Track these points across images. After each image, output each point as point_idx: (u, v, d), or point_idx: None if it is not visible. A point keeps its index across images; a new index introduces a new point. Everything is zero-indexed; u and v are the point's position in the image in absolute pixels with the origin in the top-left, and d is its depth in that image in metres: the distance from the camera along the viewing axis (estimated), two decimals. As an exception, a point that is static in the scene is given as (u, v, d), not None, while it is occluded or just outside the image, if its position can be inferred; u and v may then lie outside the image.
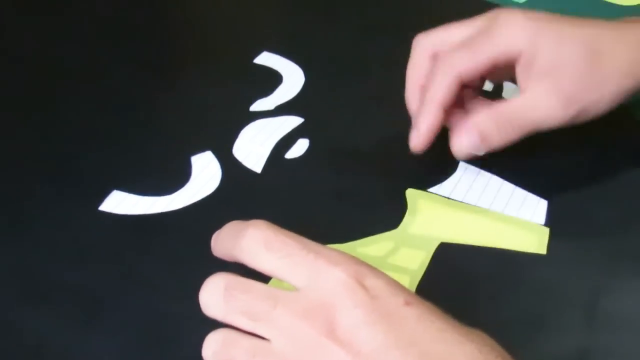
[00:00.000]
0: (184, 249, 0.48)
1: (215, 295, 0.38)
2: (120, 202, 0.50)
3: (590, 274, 0.47)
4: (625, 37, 0.50)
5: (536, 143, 0.52)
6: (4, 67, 0.63)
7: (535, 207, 0.51)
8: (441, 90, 0.50)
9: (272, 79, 0.62)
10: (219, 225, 0.49)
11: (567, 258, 0.48)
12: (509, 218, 0.50)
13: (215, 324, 0.43)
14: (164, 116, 0.58)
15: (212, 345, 0.37)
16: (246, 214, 0.50)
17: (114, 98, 0.59)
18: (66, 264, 0.47)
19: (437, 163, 0.54)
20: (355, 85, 0.61)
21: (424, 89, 0.52)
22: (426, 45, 0.52)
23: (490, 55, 0.50)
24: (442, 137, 0.52)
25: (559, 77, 0.49)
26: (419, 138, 0.51)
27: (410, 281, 0.46)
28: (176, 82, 0.61)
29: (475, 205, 0.51)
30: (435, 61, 0.51)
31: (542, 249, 0.48)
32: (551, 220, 0.50)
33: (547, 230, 0.49)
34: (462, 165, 0.54)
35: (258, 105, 0.59)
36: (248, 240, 0.38)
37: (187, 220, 0.50)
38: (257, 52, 0.65)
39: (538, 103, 0.49)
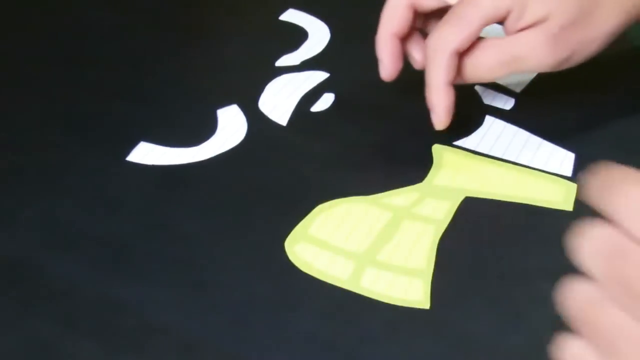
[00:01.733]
0: (212, 199, 0.48)
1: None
2: (147, 153, 0.51)
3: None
4: None
5: (564, 95, 0.51)
6: (31, 26, 0.63)
7: (562, 161, 0.51)
8: (443, 71, 0.49)
9: (298, 36, 0.62)
10: (243, 175, 0.50)
11: (594, 211, 0.47)
12: (536, 172, 0.50)
13: (244, 269, 0.43)
14: (191, 71, 0.58)
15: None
16: (272, 165, 0.50)
17: (140, 55, 0.60)
18: (95, 211, 0.47)
19: (464, 117, 0.54)
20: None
21: (395, 38, 0.51)
22: None
23: (480, 22, 0.48)
24: (468, 92, 0.52)
25: (549, 23, 0.48)
26: (440, 119, 0.50)
27: (435, 230, 0.46)
28: (202, 39, 0.61)
29: (501, 159, 0.51)
30: (427, 40, 0.50)
31: (569, 205, 0.48)
32: (578, 173, 0.50)
33: (574, 185, 0.49)
34: (488, 119, 0.54)
35: (284, 61, 0.59)
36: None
37: (213, 171, 0.50)
38: (283, 9, 0.64)
39: (525, 45, 0.48)
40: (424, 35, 0.52)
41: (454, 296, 0.43)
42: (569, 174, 0.50)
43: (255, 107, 0.55)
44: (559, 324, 0.40)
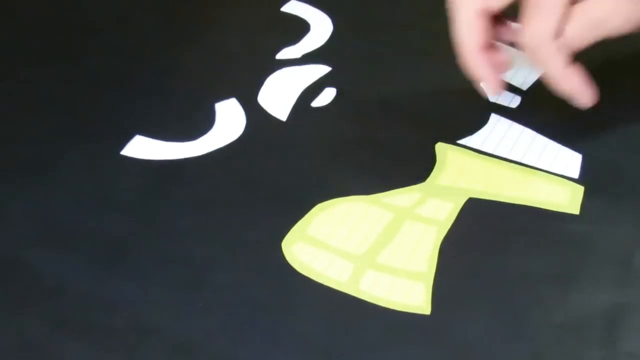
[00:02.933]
0: (208, 195, 0.47)
1: None
2: (142, 147, 0.49)
3: (625, 230, 0.45)
4: None
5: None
6: (25, 14, 0.62)
7: (568, 162, 0.49)
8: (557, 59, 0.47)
9: (300, 28, 0.60)
10: (241, 172, 0.48)
11: (601, 215, 0.46)
12: (541, 173, 0.49)
13: (240, 269, 0.42)
14: (189, 63, 0.57)
15: None
16: (270, 161, 0.49)
17: (139, 46, 0.58)
18: (87, 208, 0.46)
19: (468, 115, 0.52)
20: (385, 34, 0.60)
21: (482, 51, 0.49)
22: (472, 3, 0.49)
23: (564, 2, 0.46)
24: (473, 90, 0.51)
25: None
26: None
27: (437, 232, 0.45)
28: (202, 31, 0.60)
29: (506, 159, 0.50)
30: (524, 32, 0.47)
31: (575, 209, 0.47)
32: (585, 175, 0.48)
33: (581, 188, 0.48)
34: (493, 117, 0.52)
35: (285, 54, 0.58)
36: None
37: (210, 166, 0.49)
38: (285, 0, 0.63)
39: (608, 6, 0.47)
40: None
41: (455, 302, 0.41)
42: (575, 175, 0.48)
43: (254, 102, 0.53)
44: (561, 332, 0.39)
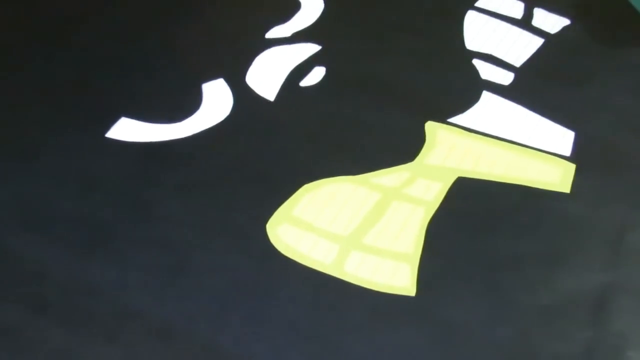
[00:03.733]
0: (193, 177, 0.46)
1: None
2: (128, 129, 0.49)
3: (616, 209, 0.44)
4: None
5: (566, 69, 0.49)
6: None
7: (561, 139, 0.48)
8: None
9: (290, 6, 0.59)
10: (227, 153, 0.48)
11: (592, 194, 0.45)
12: (533, 151, 0.48)
13: (223, 252, 0.42)
14: (176, 43, 0.56)
15: None
16: (257, 142, 0.48)
17: (124, 26, 0.57)
18: (71, 191, 0.45)
19: (460, 93, 0.51)
20: (376, 13, 0.58)
21: None
22: None
23: None
24: (465, 66, 0.50)
25: None
26: None
27: (425, 212, 0.44)
28: (190, 9, 0.59)
29: (497, 137, 0.49)
30: None
31: (566, 187, 0.46)
32: (577, 153, 0.48)
33: (572, 166, 0.47)
34: (485, 95, 0.51)
35: (274, 33, 0.57)
36: None
37: (196, 148, 0.48)
38: (276, -22, 0.62)
39: None
40: None
41: (440, 283, 0.41)
42: (567, 153, 0.48)
43: (242, 82, 0.52)
44: (549, 313, 0.39)
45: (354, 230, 0.43)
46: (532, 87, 0.52)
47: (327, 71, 0.53)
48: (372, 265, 0.41)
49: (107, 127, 0.49)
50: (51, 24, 0.57)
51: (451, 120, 0.50)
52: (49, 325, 0.39)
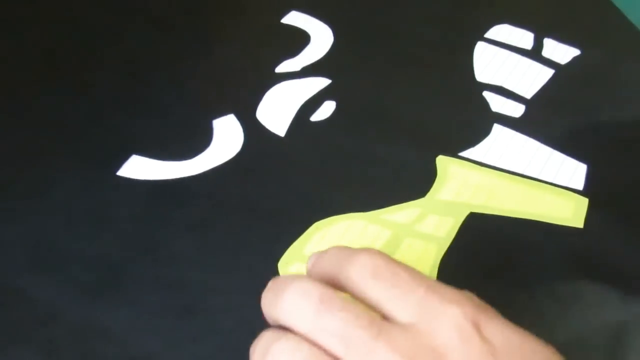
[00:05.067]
0: (204, 216, 0.46)
1: (306, 304, 0.32)
2: (139, 167, 0.49)
3: (630, 245, 0.44)
4: None
5: (578, 101, 0.49)
6: (21, 25, 0.61)
7: (573, 172, 0.48)
8: None
9: (300, 39, 0.59)
10: (237, 191, 0.47)
11: (605, 228, 0.45)
12: (545, 185, 0.48)
13: (235, 292, 0.41)
14: (186, 78, 0.56)
15: (279, 355, 0.31)
16: (268, 179, 0.48)
17: (134, 61, 0.57)
18: (82, 230, 0.45)
19: (470, 126, 0.51)
20: (386, 47, 0.59)
21: None
22: None
23: None
24: (476, 99, 0.50)
25: None
26: None
27: (437, 249, 0.44)
28: (200, 43, 0.59)
29: (508, 171, 0.49)
30: None
31: (579, 222, 0.45)
32: (590, 186, 0.47)
33: (585, 200, 0.46)
34: (496, 128, 0.51)
35: (284, 67, 0.57)
36: (356, 266, 0.33)
37: (208, 185, 0.48)
38: (285, 12, 0.62)
39: None
40: None
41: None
42: (580, 187, 0.47)
43: (252, 117, 0.52)
44: (564, 350, 0.38)
45: (366, 268, 0.43)
46: (543, 119, 0.52)
47: (337, 105, 0.53)
48: (384, 304, 0.41)
49: (119, 165, 0.49)
50: (61, 61, 0.57)
51: (462, 154, 0.50)
52: (60, 369, 0.39)
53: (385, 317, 0.32)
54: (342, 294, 0.33)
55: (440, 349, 0.31)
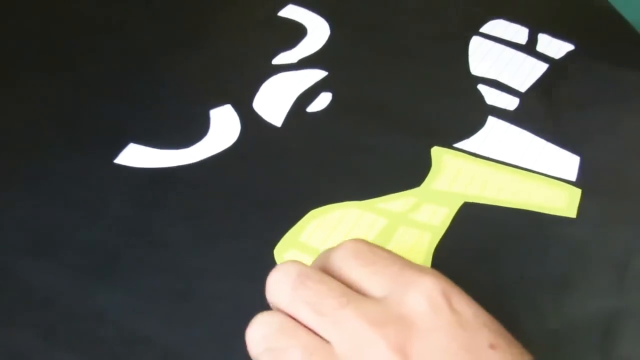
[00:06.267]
0: (201, 203, 0.46)
1: (285, 281, 0.34)
2: (136, 155, 0.49)
3: (622, 234, 0.45)
4: None
5: (572, 94, 0.49)
6: (19, 19, 0.62)
7: (566, 163, 0.49)
8: None
9: (296, 32, 0.60)
10: (234, 179, 0.48)
11: (598, 218, 0.46)
12: (538, 176, 0.48)
13: (231, 278, 0.42)
14: (184, 69, 0.57)
15: (264, 328, 0.33)
16: (264, 168, 0.49)
17: (132, 52, 0.58)
18: (79, 217, 0.46)
19: (465, 118, 0.52)
20: (382, 39, 0.59)
21: None
22: None
23: None
24: (470, 92, 0.50)
25: None
26: None
27: (432, 238, 0.44)
28: (198, 36, 0.60)
29: (502, 162, 0.49)
30: None
31: (572, 212, 0.46)
32: (583, 177, 0.48)
33: (578, 191, 0.47)
34: (490, 120, 0.52)
35: (281, 59, 0.57)
36: (342, 249, 0.35)
37: (204, 173, 0.48)
38: (282, 5, 0.63)
39: None
40: None
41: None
42: (573, 178, 0.48)
43: (249, 107, 0.53)
44: (556, 339, 0.39)
45: (361, 255, 0.43)
46: (537, 111, 0.52)
47: (333, 97, 0.54)
48: (379, 290, 0.42)
49: (116, 153, 0.49)
50: (60, 50, 0.57)
51: (457, 145, 0.50)
52: (57, 351, 0.39)
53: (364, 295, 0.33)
54: (321, 272, 0.34)
55: (409, 317, 0.31)
